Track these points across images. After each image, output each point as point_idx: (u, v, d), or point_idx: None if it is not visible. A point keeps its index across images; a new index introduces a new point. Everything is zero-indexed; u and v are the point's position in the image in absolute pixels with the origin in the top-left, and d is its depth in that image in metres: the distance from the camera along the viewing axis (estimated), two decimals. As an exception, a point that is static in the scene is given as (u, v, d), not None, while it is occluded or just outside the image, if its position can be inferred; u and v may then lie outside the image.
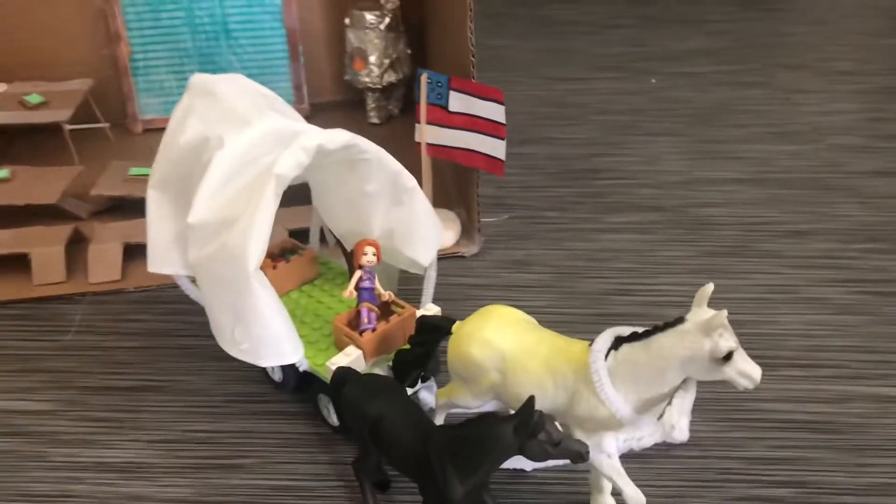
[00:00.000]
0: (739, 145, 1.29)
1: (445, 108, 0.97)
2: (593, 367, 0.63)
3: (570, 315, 0.95)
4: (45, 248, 1.02)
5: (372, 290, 0.79)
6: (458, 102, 0.96)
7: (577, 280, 1.01)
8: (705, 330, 0.59)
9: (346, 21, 1.28)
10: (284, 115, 0.79)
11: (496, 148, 0.96)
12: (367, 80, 1.28)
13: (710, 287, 0.60)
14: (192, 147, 0.77)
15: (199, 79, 0.82)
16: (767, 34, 1.68)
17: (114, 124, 1.27)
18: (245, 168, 0.73)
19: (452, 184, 1.12)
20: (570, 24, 1.74)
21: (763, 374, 0.59)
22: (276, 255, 0.87)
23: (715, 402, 0.83)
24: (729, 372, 0.60)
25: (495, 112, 0.94)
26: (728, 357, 0.59)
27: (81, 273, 1.02)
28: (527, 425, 0.58)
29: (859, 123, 1.35)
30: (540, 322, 0.71)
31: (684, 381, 0.62)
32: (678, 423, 0.63)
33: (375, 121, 1.33)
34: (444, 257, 1.04)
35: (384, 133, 1.29)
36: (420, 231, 0.81)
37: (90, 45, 1.26)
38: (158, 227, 0.81)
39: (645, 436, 0.63)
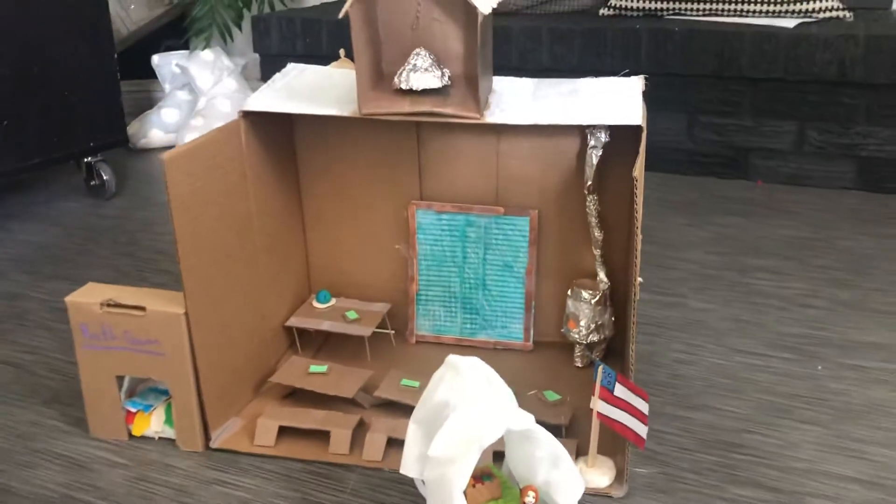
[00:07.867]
0: (870, 447, 1.52)
1: (612, 391, 1.40)
2: None
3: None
4: (340, 428, 1.55)
5: (527, 528, 1.21)
6: (621, 391, 1.38)
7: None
8: None
9: (568, 292, 1.75)
10: (501, 397, 1.25)
11: (641, 430, 1.37)
12: (576, 336, 1.73)
13: None
14: (437, 406, 1.26)
15: (452, 358, 1.31)
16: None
17: (397, 333, 1.83)
18: (465, 429, 1.20)
19: (617, 440, 1.52)
20: (767, 296, 2.08)
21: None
22: (476, 476, 1.32)
23: None
24: None
25: (643, 406, 1.35)
26: None
27: (358, 449, 1.54)
28: None
29: None
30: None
31: None
32: None
33: (579, 364, 1.77)
34: (597, 494, 1.44)
35: (585, 375, 1.72)
36: (568, 485, 1.23)
37: (392, 280, 1.87)
38: (412, 446, 1.30)
39: None
